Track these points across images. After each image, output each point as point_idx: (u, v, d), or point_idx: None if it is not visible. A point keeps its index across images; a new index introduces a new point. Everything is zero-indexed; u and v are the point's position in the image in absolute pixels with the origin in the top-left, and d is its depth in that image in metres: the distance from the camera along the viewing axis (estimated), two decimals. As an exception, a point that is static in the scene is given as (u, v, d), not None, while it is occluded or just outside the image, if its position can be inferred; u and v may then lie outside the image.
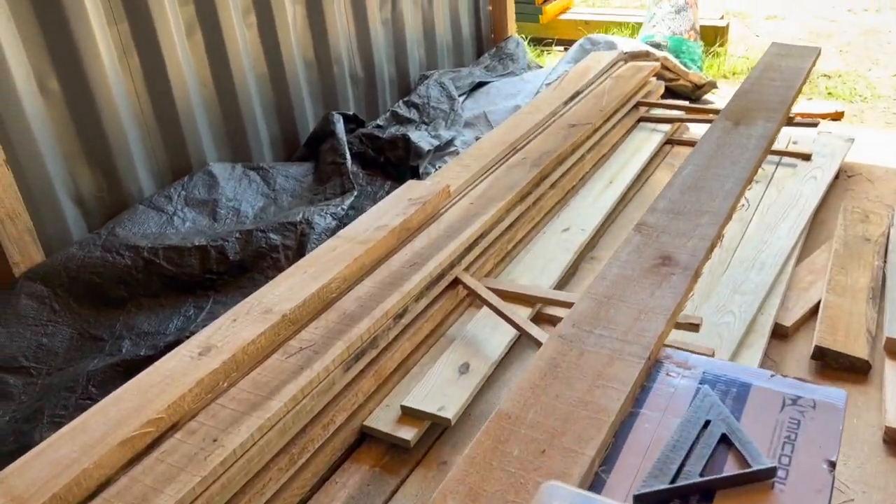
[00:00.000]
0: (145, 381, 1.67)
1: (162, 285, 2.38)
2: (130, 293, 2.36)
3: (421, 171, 3.17)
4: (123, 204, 2.70)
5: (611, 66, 3.77)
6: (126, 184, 2.71)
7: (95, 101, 2.55)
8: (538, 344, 1.90)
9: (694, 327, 1.91)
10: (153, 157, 2.84)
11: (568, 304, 2.13)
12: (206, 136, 3.04)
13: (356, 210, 2.74)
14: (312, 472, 1.74)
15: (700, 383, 1.25)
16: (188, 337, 2.02)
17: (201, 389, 1.65)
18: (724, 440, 1.13)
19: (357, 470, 1.79)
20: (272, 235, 2.48)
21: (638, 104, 3.49)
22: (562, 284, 2.43)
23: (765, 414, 1.17)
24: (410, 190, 2.46)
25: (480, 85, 4.22)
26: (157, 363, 1.73)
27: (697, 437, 1.13)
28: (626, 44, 4.41)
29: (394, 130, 3.48)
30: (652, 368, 1.29)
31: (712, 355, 1.89)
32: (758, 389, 1.24)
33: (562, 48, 5.64)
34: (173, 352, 1.77)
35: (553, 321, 2.18)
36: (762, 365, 2.02)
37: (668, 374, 1.27)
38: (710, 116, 3.42)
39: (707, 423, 1.16)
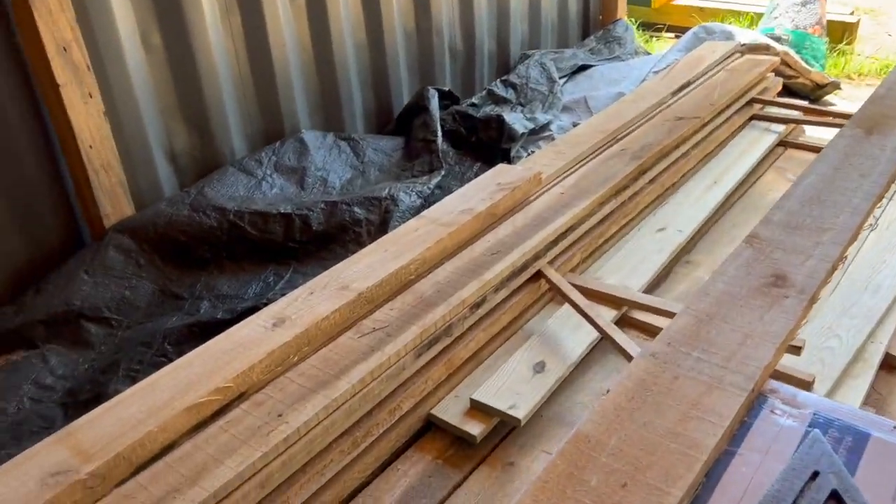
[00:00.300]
0: (217, 348, 1.65)
1: (245, 250, 2.39)
2: (214, 255, 2.37)
3: (512, 154, 3.06)
4: (214, 164, 2.72)
5: (726, 58, 3.54)
6: (218, 144, 2.73)
7: (195, 59, 2.57)
8: (621, 351, 1.78)
9: (796, 350, 1.74)
10: (247, 120, 2.85)
11: (657, 310, 1.99)
12: (301, 102, 3.03)
13: (443, 190, 2.67)
14: (375, 457, 1.69)
15: (809, 426, 1.11)
16: (265, 304, 2.01)
17: (271, 361, 1.62)
18: (835, 497, 0.99)
19: (420, 459, 1.73)
20: (356, 209, 2.44)
21: (752, 101, 3.25)
22: (652, 287, 2.28)
23: (885, 471, 1.03)
24: (500, 174, 2.37)
25: (583, 68, 4.06)
26: (230, 330, 1.72)
27: (802, 490, 0.99)
28: (744, 35, 4.14)
29: (488, 110, 3.38)
30: (754, 403, 1.15)
31: (812, 382, 1.73)
32: (878, 441, 1.09)
33: (672, 35, 5.37)
34: (248, 320, 1.75)
35: (640, 326, 2.05)
36: (867, 398, 1.83)
37: (772, 412, 1.14)
38: (831, 120, 3.15)
39: (815, 474, 1.02)
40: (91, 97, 2.21)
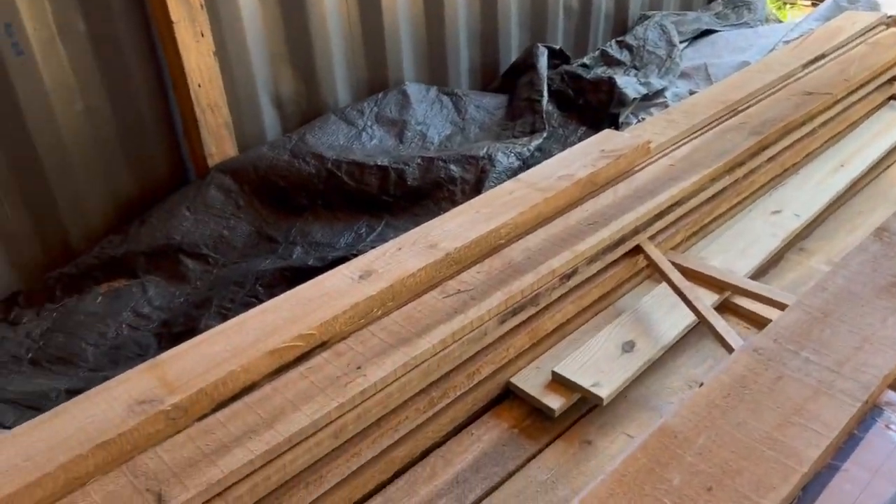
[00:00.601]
0: (304, 294, 1.66)
1: (340, 199, 2.39)
2: (310, 201, 2.39)
3: (621, 120, 2.92)
4: (317, 112, 2.73)
5: (868, 30, 3.22)
6: (323, 92, 2.73)
7: (306, 6, 2.56)
8: (720, 340, 1.67)
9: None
10: (353, 69, 2.84)
11: (764, 299, 1.86)
12: (407, 54, 2.98)
13: (543, 153, 2.58)
14: (450, 419, 1.67)
15: (929, 445, 0.99)
16: (355, 255, 2.01)
17: (355, 313, 1.61)
18: (952, 528, 0.89)
19: (495, 426, 1.70)
20: (452, 167, 2.39)
21: (893, 79, 2.96)
22: (759, 274, 2.13)
23: None
24: (605, 140, 2.25)
25: (706, 33, 3.81)
26: (318, 278, 1.72)
27: (915, 516, 0.89)
28: (894, 6, 3.75)
29: (600, 72, 3.23)
30: (867, 415, 1.04)
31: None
32: None
33: (809, 3, 4.96)
34: (336, 270, 1.75)
35: (742, 314, 1.92)
36: None
37: (887, 427, 1.02)
38: None
39: (931, 500, 0.92)
40: (203, 36, 2.24)
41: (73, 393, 1.77)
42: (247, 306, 2.02)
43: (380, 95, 2.81)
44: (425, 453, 1.62)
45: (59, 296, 2.12)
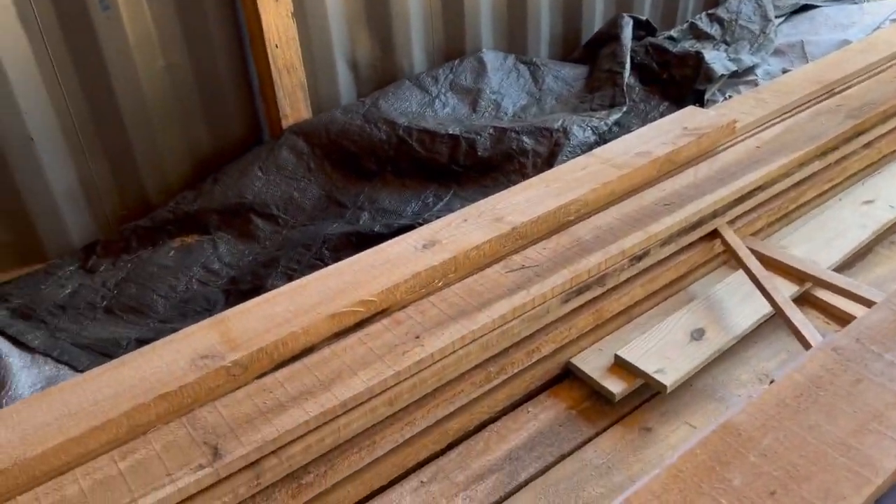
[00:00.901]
0: (368, 261, 1.65)
1: (409, 166, 2.37)
2: (379, 168, 2.38)
3: (707, 97, 2.79)
4: (392, 77, 2.71)
5: None
6: (399, 57, 2.71)
7: (386, -32, 2.53)
8: (797, 335, 1.58)
9: None
10: (430, 34, 2.80)
11: (848, 293, 1.75)
12: (486, 20, 2.92)
13: (621, 128, 2.49)
14: (506, 395, 1.65)
15: None
16: (421, 224, 2.00)
17: (416, 282, 1.60)
18: None
19: (552, 406, 1.67)
20: (525, 138, 2.33)
21: None
22: (845, 266, 2.01)
23: None
24: (688, 117, 2.15)
25: (806, 8, 3.58)
26: (383, 245, 1.72)
27: None
28: None
29: (687, 45, 3.08)
30: (957, 427, 0.96)
31: None
32: None
33: (923, -23, 4.60)
34: (400, 238, 1.74)
35: (823, 308, 1.82)
36: None
37: (978, 442, 0.94)
38: None
39: None
40: (281, -3, 2.25)
41: (142, 342, 1.83)
42: (312, 268, 2.04)
43: (456, 62, 2.76)
44: (479, 427, 1.61)
45: (134, 247, 2.19)
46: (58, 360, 1.79)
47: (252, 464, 1.26)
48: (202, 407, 1.34)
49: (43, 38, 2.00)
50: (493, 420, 1.63)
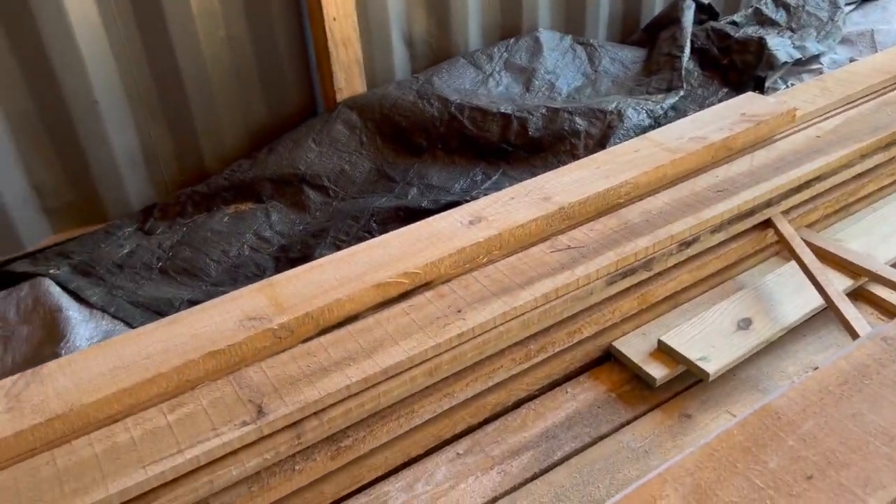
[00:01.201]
0: (414, 234, 1.67)
1: (459, 143, 2.38)
2: (430, 144, 2.39)
3: (767, 84, 2.72)
4: (447, 53, 2.71)
5: None
6: (454, 34, 2.70)
7: (446, -56, 2.53)
8: (847, 327, 1.54)
9: None
10: (486, 11, 2.78)
11: (904, 291, 1.70)
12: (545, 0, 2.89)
13: (677, 112, 2.44)
14: (545, 374, 1.66)
15: None
16: (468, 201, 2.00)
17: (461, 257, 1.61)
18: None
19: (592, 387, 1.67)
20: (578, 119, 2.31)
21: None
22: (903, 263, 1.95)
23: None
24: (747, 103, 2.10)
25: (878, -5, 3.45)
26: (429, 219, 1.73)
27: None
28: None
29: (750, 31, 3.00)
30: None
31: None
32: None
33: None
34: (447, 213, 1.75)
35: (877, 304, 1.77)
36: None
37: None
38: None
39: None
40: (342, -29, 2.26)
41: (194, 303, 1.89)
42: (360, 240, 2.07)
43: (511, 41, 2.75)
44: (517, 404, 1.62)
45: (189, 212, 2.25)
46: (114, 316, 1.86)
47: (294, 424, 1.30)
48: (248, 367, 1.38)
49: (112, 4, 2.06)
50: (531, 398, 1.64)
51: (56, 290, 1.93)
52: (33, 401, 1.27)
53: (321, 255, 1.98)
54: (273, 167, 2.31)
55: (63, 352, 1.68)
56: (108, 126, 2.16)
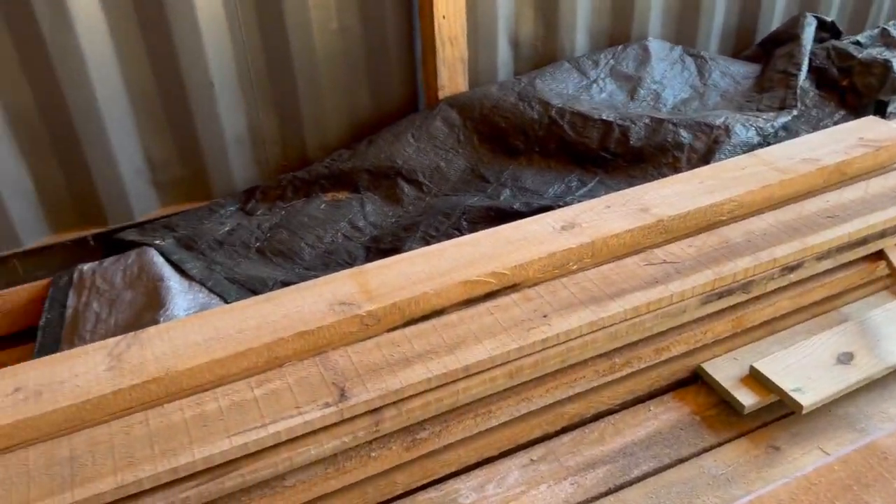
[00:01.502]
0: (504, 235, 1.67)
1: (557, 148, 2.36)
2: (527, 146, 2.38)
3: (889, 109, 2.56)
4: (552, 57, 2.69)
5: None
6: (561, 37, 2.68)
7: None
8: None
9: None
10: (595, 17, 2.75)
11: None
12: (656, 8, 2.83)
13: (788, 133, 2.34)
14: (628, 389, 1.62)
15: None
16: (561, 206, 1.98)
17: (550, 262, 1.60)
18: None
19: (675, 408, 1.62)
20: (682, 132, 2.25)
21: None
22: None
23: None
24: (866, 127, 1.99)
25: None
26: (521, 222, 1.72)
27: None
28: None
29: (875, 52, 2.84)
30: None
31: None
32: None
33: None
34: (539, 216, 1.74)
35: None
36: None
37: None
38: None
39: None
40: (456, -31, 2.28)
41: (286, 284, 1.95)
42: (449, 237, 2.08)
43: (619, 48, 2.70)
44: (596, 417, 1.59)
45: (289, 196, 2.33)
46: (211, 290, 1.94)
47: (374, 410, 1.32)
48: (334, 350, 1.41)
49: (234, -7, 2.15)
50: (611, 412, 1.61)
51: (160, 260, 2.03)
52: (132, 362, 1.34)
53: (410, 248, 2.01)
54: (371, 159, 2.35)
55: (161, 319, 1.76)
56: (220, 107, 2.26)
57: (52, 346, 1.82)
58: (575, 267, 1.61)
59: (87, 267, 2.05)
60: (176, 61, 2.13)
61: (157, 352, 1.36)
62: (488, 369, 1.40)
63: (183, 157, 2.30)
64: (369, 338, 1.45)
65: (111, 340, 1.39)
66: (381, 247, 2.10)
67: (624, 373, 1.58)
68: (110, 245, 2.24)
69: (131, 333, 1.42)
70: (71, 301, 1.93)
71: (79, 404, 1.26)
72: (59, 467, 1.20)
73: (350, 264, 2.05)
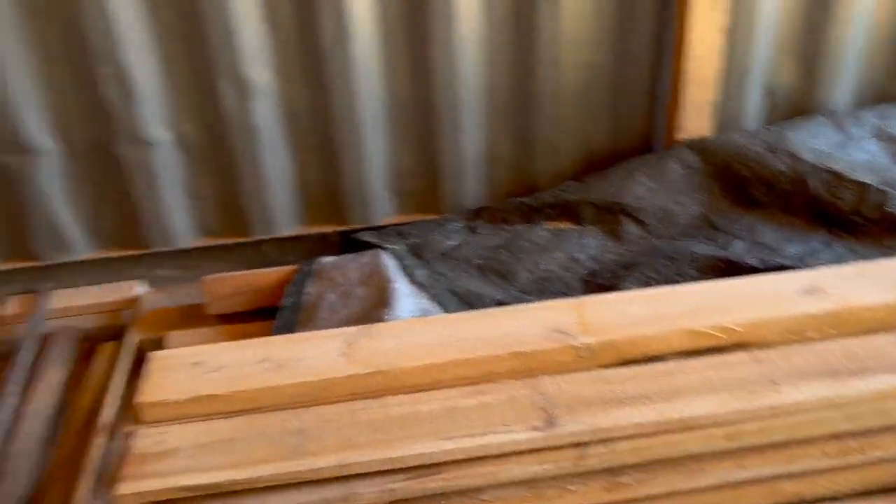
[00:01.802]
0: (737, 289, 1.59)
1: (802, 205, 2.20)
2: (769, 199, 2.25)
3: None
4: (807, 109, 2.52)
5: None
6: (819, 90, 2.50)
7: (832, 3, 2.35)
8: None
9: None
10: (863, 72, 2.54)
11: None
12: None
13: None
14: (858, 478, 1.47)
15: None
16: (800, 267, 1.85)
17: (787, 326, 1.49)
18: None
19: (912, 513, 1.44)
20: (958, 205, 1.99)
21: None
22: None
23: None
24: None
25: None
26: (757, 278, 1.63)
27: None
28: None
29: None
30: None
31: None
32: None
33: None
34: (777, 276, 1.64)
35: None
36: None
37: None
38: None
39: None
40: (716, 9, 2.21)
41: (500, 304, 2.01)
42: (670, 282, 2.02)
43: (887, 106, 2.46)
44: (816, 500, 1.45)
45: (513, 220, 2.39)
46: (432, 298, 2.04)
47: (579, 444, 1.31)
48: (546, 376, 1.43)
49: (495, 20, 2.25)
50: (834, 499, 1.46)
51: (391, 263, 2.18)
52: (363, 352, 1.45)
53: (629, 288, 1.97)
54: (598, 193, 2.35)
55: (386, 317, 1.89)
56: (464, 126, 2.37)
57: (289, 326, 2.02)
58: (814, 336, 1.49)
59: (327, 260, 2.25)
60: (433, 77, 2.27)
61: (385, 347, 1.46)
62: (705, 427, 1.34)
63: (424, 170, 2.45)
64: (581, 371, 1.45)
65: (350, 329, 1.51)
66: (598, 281, 2.09)
67: (856, 460, 1.43)
68: (347, 243, 2.45)
69: (364, 326, 1.54)
70: (310, 288, 2.12)
71: (314, 381, 1.39)
72: (290, 437, 1.33)
73: (564, 294, 2.06)
